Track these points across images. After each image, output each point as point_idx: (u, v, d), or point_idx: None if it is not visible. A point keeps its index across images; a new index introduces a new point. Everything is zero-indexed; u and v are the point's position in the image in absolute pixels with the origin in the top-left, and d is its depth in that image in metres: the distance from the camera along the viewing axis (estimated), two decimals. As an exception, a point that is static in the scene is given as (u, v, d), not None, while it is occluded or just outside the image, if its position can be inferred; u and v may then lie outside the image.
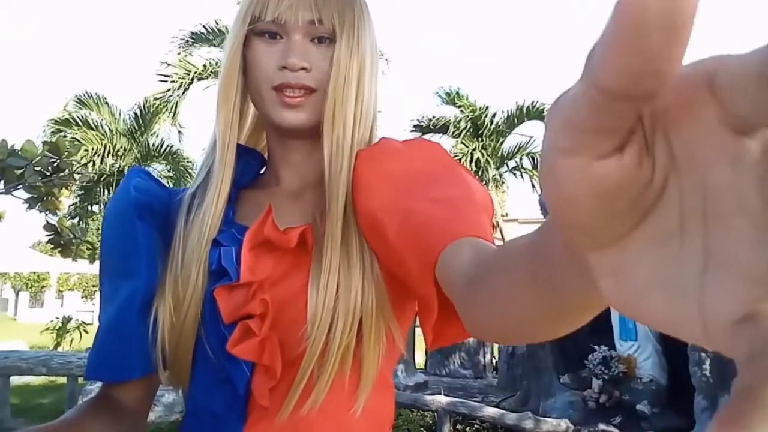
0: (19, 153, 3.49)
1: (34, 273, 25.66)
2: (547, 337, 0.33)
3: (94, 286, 27.13)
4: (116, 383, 0.68)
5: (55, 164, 3.69)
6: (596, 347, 4.63)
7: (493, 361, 7.59)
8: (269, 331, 0.62)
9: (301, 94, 0.66)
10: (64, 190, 3.74)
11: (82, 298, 26.00)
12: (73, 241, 3.64)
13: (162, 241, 0.69)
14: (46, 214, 3.97)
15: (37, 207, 3.75)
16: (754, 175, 0.17)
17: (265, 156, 0.78)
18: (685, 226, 0.18)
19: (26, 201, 3.68)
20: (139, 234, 0.68)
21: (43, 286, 26.06)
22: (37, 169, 3.59)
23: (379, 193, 0.60)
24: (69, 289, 26.57)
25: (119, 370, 0.67)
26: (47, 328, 11.01)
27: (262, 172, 0.77)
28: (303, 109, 0.66)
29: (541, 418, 4.13)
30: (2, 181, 3.42)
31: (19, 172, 3.47)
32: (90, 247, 3.96)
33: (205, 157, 0.73)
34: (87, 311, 18.29)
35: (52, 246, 3.83)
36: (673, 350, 4.35)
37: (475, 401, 4.61)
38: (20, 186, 3.51)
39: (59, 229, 3.66)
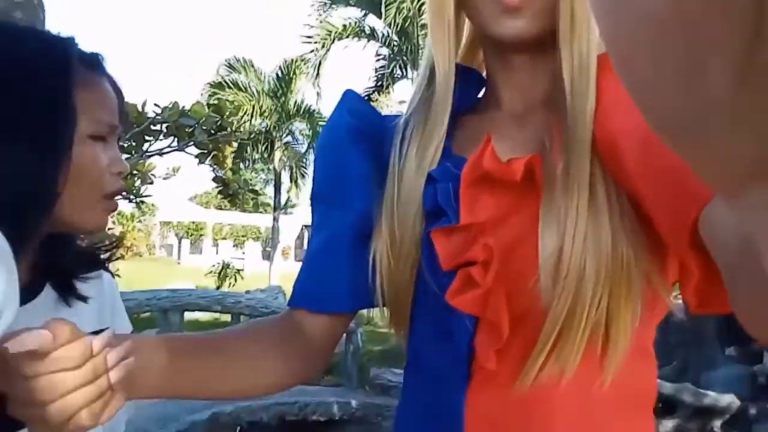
0: (189, 113, 3.80)
1: (194, 223, 28.53)
2: None
3: (243, 236, 29.63)
4: (317, 313, 0.64)
5: (219, 124, 3.98)
6: None
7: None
8: (494, 282, 0.54)
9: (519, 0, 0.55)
10: (228, 147, 4.05)
11: (234, 246, 28.51)
12: (239, 191, 3.95)
13: (377, 169, 0.64)
14: (214, 169, 4.32)
15: (207, 161, 4.09)
16: None
17: (484, 75, 0.69)
18: None
19: (197, 156, 4.03)
20: (353, 162, 0.65)
21: (201, 235, 28.96)
22: (204, 128, 3.89)
23: (620, 112, 0.50)
24: (222, 238, 29.32)
25: (329, 301, 0.64)
26: (210, 272, 12.28)
27: (480, 94, 0.69)
28: (524, 13, 0.56)
29: (703, 391, 3.83)
30: (176, 139, 3.76)
31: (189, 130, 3.79)
32: (254, 196, 4.29)
33: (420, 79, 0.65)
34: (238, 258, 19.95)
35: (222, 196, 4.17)
36: None
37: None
38: (191, 143, 3.85)
39: (227, 181, 3.98)
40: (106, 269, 0.75)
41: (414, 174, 0.60)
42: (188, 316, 3.59)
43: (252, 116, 11.33)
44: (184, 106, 3.69)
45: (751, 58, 0.11)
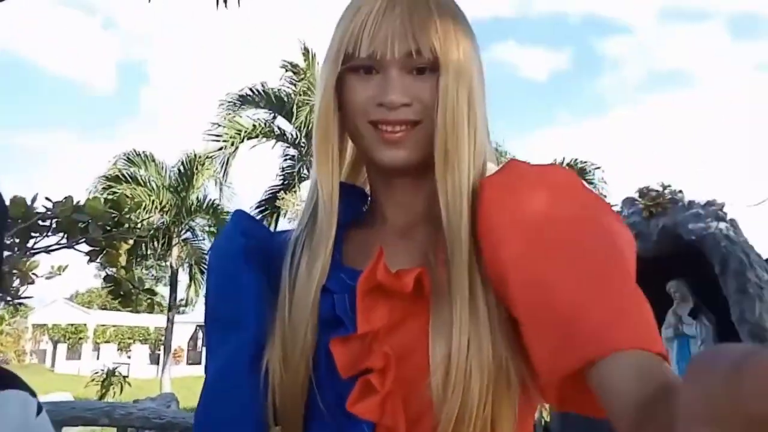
0: (84, 209, 3.65)
1: (72, 325, 26.10)
2: None
3: (129, 338, 27.41)
4: None
5: (116, 219, 3.84)
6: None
7: (543, 421, 7.30)
8: (392, 388, 0.57)
9: (403, 129, 0.61)
10: (123, 244, 3.89)
11: (118, 350, 26.23)
12: (132, 291, 3.74)
13: (270, 288, 0.65)
14: (106, 268, 4.10)
15: (98, 260, 3.88)
16: None
17: (366, 190, 0.73)
18: None
19: (87, 254, 3.82)
20: (246, 281, 0.65)
21: (80, 338, 26.44)
22: (99, 224, 3.74)
23: (512, 243, 0.54)
24: (105, 341, 26.88)
25: (235, 427, 0.61)
26: (92, 380, 11.14)
27: (364, 209, 0.73)
28: (405, 145, 0.62)
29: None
30: (66, 236, 3.57)
31: (82, 226, 3.62)
32: (149, 297, 4.07)
33: (308, 199, 0.69)
34: (123, 363, 18.40)
35: (112, 297, 3.93)
36: None
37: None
38: (82, 240, 3.66)
39: (119, 281, 3.77)
40: (23, 386, 0.67)
41: (305, 287, 0.62)
42: (66, 430, 3.22)
43: (150, 211, 10.96)
44: (78, 201, 3.55)
45: None
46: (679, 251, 4.50)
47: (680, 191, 4.72)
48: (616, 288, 0.50)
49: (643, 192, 4.83)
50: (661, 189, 4.77)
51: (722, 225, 4.28)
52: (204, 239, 12.74)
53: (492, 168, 0.65)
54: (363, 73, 0.62)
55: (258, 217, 9.88)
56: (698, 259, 4.32)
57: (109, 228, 3.74)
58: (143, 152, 11.69)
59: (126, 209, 3.91)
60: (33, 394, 0.67)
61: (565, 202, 0.56)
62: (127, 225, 3.91)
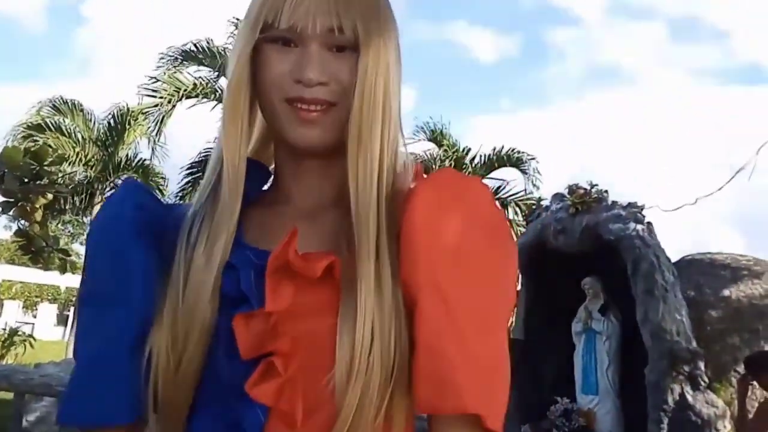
0: (1, 158, 3.43)
1: (-27, 278, 24.53)
2: None
3: (36, 296, 26.00)
4: (99, 428, 0.58)
5: (35, 171, 3.62)
6: (558, 399, 4.69)
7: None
8: (293, 373, 0.56)
9: (318, 109, 0.60)
10: (40, 198, 3.67)
11: (23, 308, 24.82)
12: (45, 249, 3.55)
13: (160, 264, 0.61)
14: (19, 221, 3.88)
15: (11, 213, 3.66)
16: None
17: (270, 168, 0.71)
18: None
19: (0, 205, 3.59)
20: (134, 257, 0.60)
21: (-20, 293, 24.86)
22: (16, 174, 3.52)
23: (428, 269, 0.56)
24: (10, 298, 25.40)
25: (105, 413, 0.57)
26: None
27: (266, 186, 0.71)
28: (320, 125, 0.60)
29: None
30: (-23, 184, 3.34)
31: (-3, 176, 3.40)
32: (62, 257, 3.86)
33: (209, 172, 0.65)
34: (27, 323, 17.39)
35: (23, 253, 3.72)
36: (632, 407, 4.44)
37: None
38: (-3, 191, 3.44)
39: (31, 236, 3.58)
40: None
41: (204, 264, 0.59)
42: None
43: (74, 165, 10.36)
44: (-6, 149, 3.33)
45: None
46: (598, 249, 4.74)
47: (606, 191, 4.95)
48: (497, 353, 0.57)
49: (572, 189, 5.03)
50: (588, 187, 4.98)
51: (639, 227, 4.53)
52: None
53: (401, 154, 0.65)
54: (281, 45, 0.60)
55: (187, 180, 9.57)
56: (614, 258, 4.56)
57: (26, 180, 3.53)
58: (71, 100, 11.00)
59: (47, 161, 3.69)
60: None
61: (484, 240, 0.59)
62: (46, 178, 3.70)
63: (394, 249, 0.59)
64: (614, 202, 4.86)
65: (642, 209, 4.78)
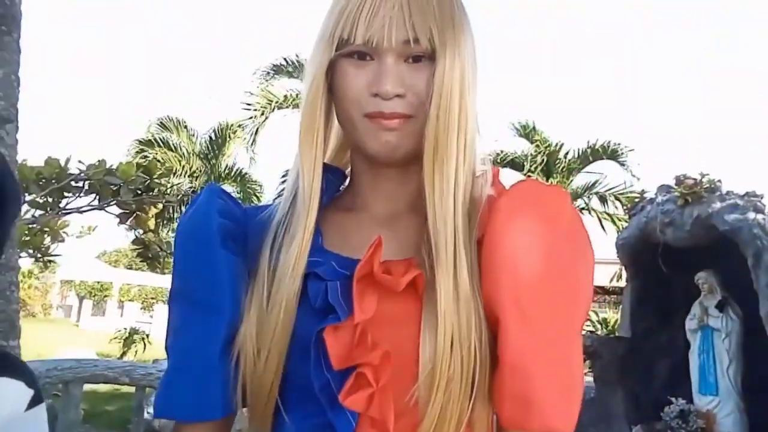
0: (116, 172, 3.72)
1: (98, 282, 26.84)
2: None
3: (152, 298, 28.06)
4: (192, 423, 0.62)
5: (147, 184, 3.90)
6: (673, 399, 4.39)
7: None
8: (385, 383, 0.57)
9: (396, 121, 0.60)
10: (152, 208, 3.95)
11: (141, 309, 26.88)
12: (160, 254, 3.82)
13: (244, 269, 0.64)
14: (135, 230, 4.19)
15: (128, 223, 3.96)
16: None
17: (346, 172, 0.72)
18: None
19: (118, 216, 3.90)
20: (223, 264, 0.62)
21: (105, 296, 27.16)
22: (130, 187, 3.80)
23: (507, 283, 0.57)
24: (129, 300, 27.57)
25: (200, 408, 0.61)
26: (115, 338, 11.49)
27: (341, 188, 0.71)
28: (398, 135, 0.60)
29: (612, 471, 3.93)
30: (98, 197, 3.65)
31: (114, 189, 3.69)
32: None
33: (291, 182, 0.67)
34: (145, 322, 18.79)
35: (141, 259, 4.02)
36: (758, 408, 4.07)
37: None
38: (113, 202, 3.73)
39: (147, 243, 3.85)
40: (20, 374, 0.63)
41: (289, 272, 0.61)
42: (86, 386, 3.34)
43: (180, 177, 11.13)
44: (112, 165, 3.61)
45: None
46: (712, 242, 4.40)
47: (719, 180, 4.58)
48: (574, 364, 0.58)
49: (680, 180, 4.70)
50: (698, 177, 4.63)
51: (759, 216, 4.15)
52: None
53: (479, 158, 0.64)
54: (357, 59, 0.60)
55: (283, 185, 9.88)
56: (731, 251, 4.21)
57: (139, 192, 3.81)
58: (176, 118, 11.83)
59: (157, 174, 3.96)
60: (32, 382, 0.64)
61: (566, 253, 0.59)
62: (157, 189, 3.97)
63: (473, 257, 0.59)
64: (729, 192, 4.48)
65: (762, 198, 4.38)
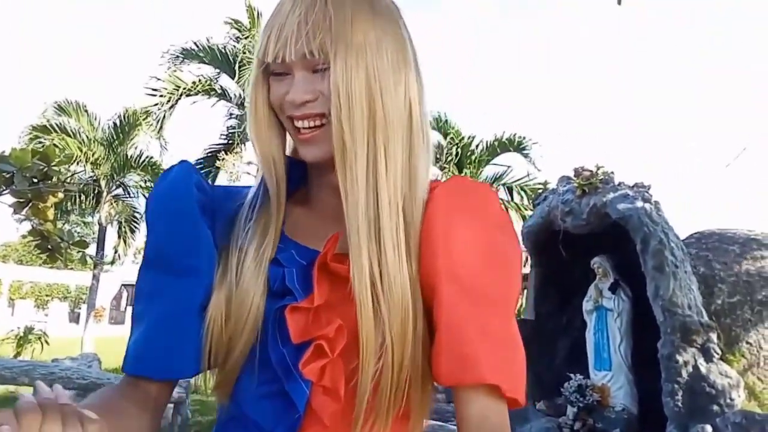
0: (9, 159, 3.46)
1: (-16, 279, 24.72)
2: None
3: (47, 295, 26.17)
4: (160, 380, 0.66)
5: (44, 171, 3.65)
6: (572, 375, 4.72)
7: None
8: (337, 355, 0.63)
9: (313, 126, 0.65)
10: (51, 197, 3.71)
11: (35, 307, 25.04)
12: (62, 245, 3.59)
13: (215, 244, 0.68)
14: (32, 221, 3.91)
15: (23, 212, 3.69)
16: None
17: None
18: None
19: (11, 206, 3.63)
20: (203, 231, 0.67)
21: (-8, 293, 25.04)
22: (26, 175, 3.55)
23: (446, 256, 0.63)
24: (21, 297, 25.60)
25: (173, 367, 0.65)
26: (7, 338, 10.64)
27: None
28: (316, 143, 0.66)
29: (517, 445, 4.18)
30: (-11, 186, 3.38)
31: (7, 176, 3.43)
32: (79, 251, 3.90)
33: (258, 168, 0.73)
34: (40, 321, 17.49)
35: (39, 252, 3.76)
36: (645, 381, 4.47)
37: (452, 425, 4.64)
38: (6, 191, 3.47)
39: (46, 234, 3.61)
40: None
41: (256, 257, 0.67)
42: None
43: (81, 164, 10.43)
44: (4, 151, 3.36)
45: None
46: (606, 229, 4.75)
47: (612, 172, 4.95)
48: (510, 333, 0.63)
49: (578, 171, 5.04)
50: (594, 169, 4.98)
51: (647, 206, 4.53)
52: (137, 196, 12.28)
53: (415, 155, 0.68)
54: (276, 76, 0.67)
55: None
56: (622, 237, 4.57)
57: (36, 180, 3.55)
58: (75, 101, 11.06)
59: (55, 161, 3.72)
60: None
61: (495, 235, 0.66)
62: (56, 177, 3.73)
63: (407, 246, 0.65)
64: (621, 183, 4.86)
65: (649, 188, 4.78)
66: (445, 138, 10.71)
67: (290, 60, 0.64)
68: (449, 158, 10.33)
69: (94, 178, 11.02)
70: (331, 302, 0.65)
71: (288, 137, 0.72)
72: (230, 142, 10.72)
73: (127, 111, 10.82)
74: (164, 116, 9.85)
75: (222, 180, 10.41)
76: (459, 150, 10.43)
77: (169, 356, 0.65)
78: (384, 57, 0.65)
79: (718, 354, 4.05)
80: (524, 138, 10.61)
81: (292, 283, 0.65)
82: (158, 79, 9.63)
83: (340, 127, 0.63)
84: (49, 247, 3.53)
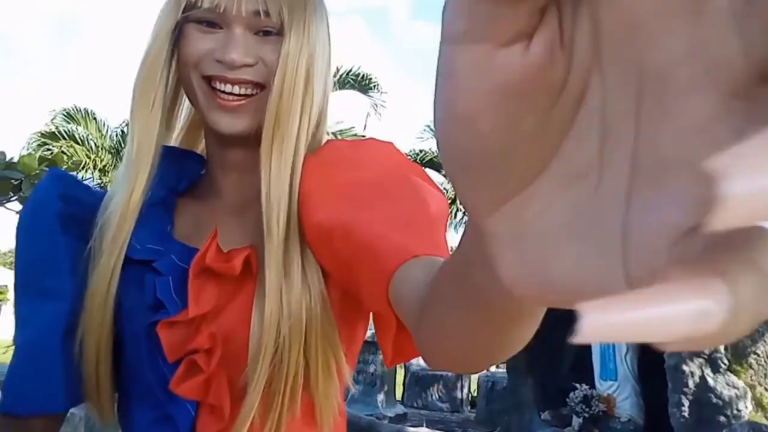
0: (17, 166, 3.50)
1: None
2: (491, 361, 0.30)
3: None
4: (33, 417, 0.58)
5: (52, 178, 3.70)
6: (577, 385, 4.69)
7: (470, 396, 7.61)
8: (217, 368, 0.56)
9: (243, 94, 0.57)
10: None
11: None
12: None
13: (87, 256, 0.61)
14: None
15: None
16: (725, 20, 0.11)
17: (204, 155, 0.69)
18: (606, 148, 0.14)
19: (19, 213, 3.66)
20: (62, 249, 0.60)
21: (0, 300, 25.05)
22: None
23: (327, 205, 0.54)
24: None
25: (43, 402, 0.58)
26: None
27: (202, 172, 0.68)
28: (243, 113, 0.58)
29: (522, 455, 4.14)
30: (-4, 193, 3.42)
31: (15, 183, 3.47)
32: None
33: (125, 158, 0.63)
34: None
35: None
36: (652, 391, 4.43)
37: (456, 435, 4.61)
38: (14, 198, 3.51)
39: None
40: None
41: (105, 263, 0.58)
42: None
43: (88, 172, 10.52)
44: (12, 158, 3.40)
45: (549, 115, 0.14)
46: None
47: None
48: (417, 220, 0.49)
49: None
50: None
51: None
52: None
53: (323, 141, 0.63)
54: (205, 26, 0.58)
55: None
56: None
57: (43, 187, 3.60)
58: (84, 109, 11.16)
59: (63, 168, 3.76)
60: None
61: (380, 162, 0.56)
62: (63, 185, 3.77)
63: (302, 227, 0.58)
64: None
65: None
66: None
67: (237, 13, 0.56)
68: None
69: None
70: (220, 308, 0.58)
71: (184, 118, 0.66)
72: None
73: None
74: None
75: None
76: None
77: (38, 390, 0.58)
78: (325, 41, 0.62)
79: (725, 365, 4.01)
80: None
81: (164, 295, 0.58)
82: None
83: (279, 101, 0.56)
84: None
